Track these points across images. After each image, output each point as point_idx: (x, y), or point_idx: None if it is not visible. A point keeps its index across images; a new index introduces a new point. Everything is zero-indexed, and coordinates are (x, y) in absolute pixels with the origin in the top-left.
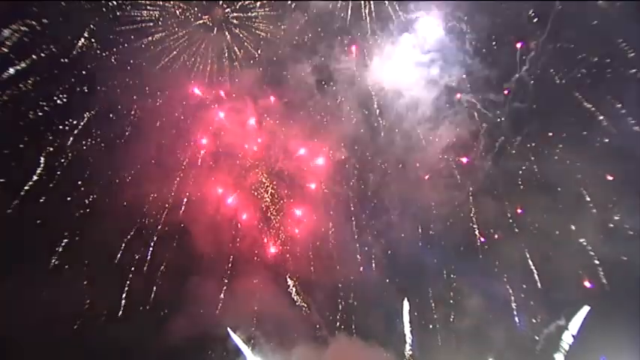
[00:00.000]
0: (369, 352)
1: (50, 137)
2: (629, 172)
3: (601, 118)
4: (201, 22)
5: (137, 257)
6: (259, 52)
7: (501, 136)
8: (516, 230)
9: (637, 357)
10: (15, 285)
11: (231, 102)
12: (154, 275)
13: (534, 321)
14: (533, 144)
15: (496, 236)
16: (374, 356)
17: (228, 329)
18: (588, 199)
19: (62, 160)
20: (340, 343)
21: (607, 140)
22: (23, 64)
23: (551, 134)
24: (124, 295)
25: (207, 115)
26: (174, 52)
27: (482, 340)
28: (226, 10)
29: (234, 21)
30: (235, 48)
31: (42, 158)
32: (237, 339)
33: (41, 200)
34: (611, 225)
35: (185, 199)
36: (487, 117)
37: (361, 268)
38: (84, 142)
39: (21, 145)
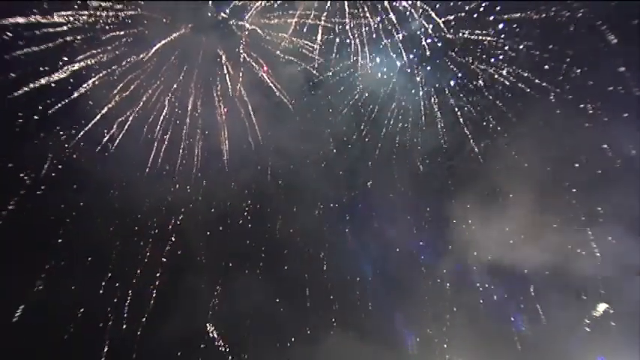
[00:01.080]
0: (365, 349)
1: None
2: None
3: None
4: (186, 30)
5: (132, 259)
6: (250, 55)
7: (487, 139)
8: (507, 229)
9: (636, 358)
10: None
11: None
12: (147, 276)
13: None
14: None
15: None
16: (369, 353)
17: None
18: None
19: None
20: (335, 340)
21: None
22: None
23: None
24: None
25: (197, 116)
26: (163, 56)
27: (480, 339)
28: (219, 17)
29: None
30: (226, 51)
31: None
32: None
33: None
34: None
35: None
36: (474, 119)
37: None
38: (71, 147)
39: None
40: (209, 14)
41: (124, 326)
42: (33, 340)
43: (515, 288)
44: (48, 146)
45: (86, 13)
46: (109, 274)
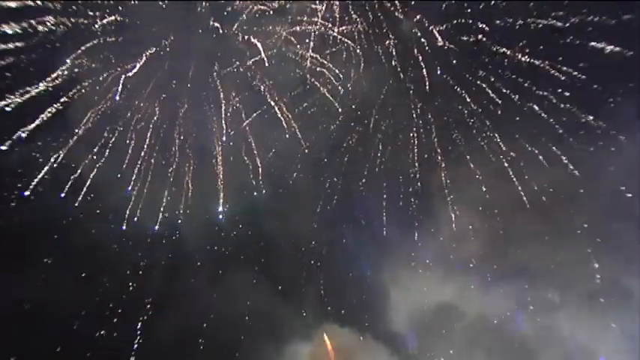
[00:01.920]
0: (362, 344)
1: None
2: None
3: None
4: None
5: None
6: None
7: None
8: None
9: (636, 358)
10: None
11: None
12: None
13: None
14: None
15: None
16: (367, 351)
17: None
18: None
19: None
20: (330, 334)
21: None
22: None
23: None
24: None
25: (190, 120)
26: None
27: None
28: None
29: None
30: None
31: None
32: None
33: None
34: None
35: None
36: (461, 120)
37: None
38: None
39: None
40: (200, 31)
41: (120, 328)
42: (30, 342)
43: (515, 287)
44: (40, 152)
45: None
46: (106, 277)
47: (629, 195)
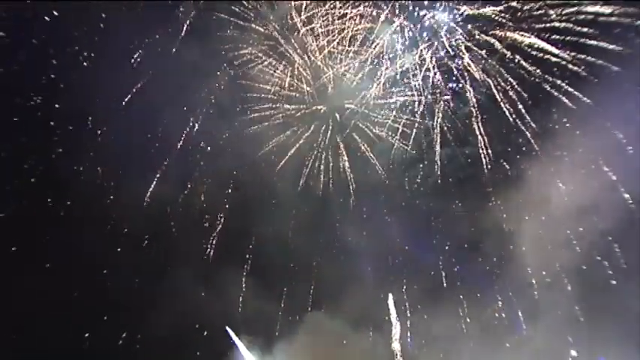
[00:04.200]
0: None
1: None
2: None
3: None
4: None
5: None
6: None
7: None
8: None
9: (636, 358)
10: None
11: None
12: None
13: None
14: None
15: None
16: (358, 339)
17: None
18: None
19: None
20: (317, 323)
21: None
22: None
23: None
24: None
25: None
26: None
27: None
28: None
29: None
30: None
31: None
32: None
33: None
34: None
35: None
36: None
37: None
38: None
39: None
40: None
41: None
42: (20, 342)
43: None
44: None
45: None
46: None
47: None
